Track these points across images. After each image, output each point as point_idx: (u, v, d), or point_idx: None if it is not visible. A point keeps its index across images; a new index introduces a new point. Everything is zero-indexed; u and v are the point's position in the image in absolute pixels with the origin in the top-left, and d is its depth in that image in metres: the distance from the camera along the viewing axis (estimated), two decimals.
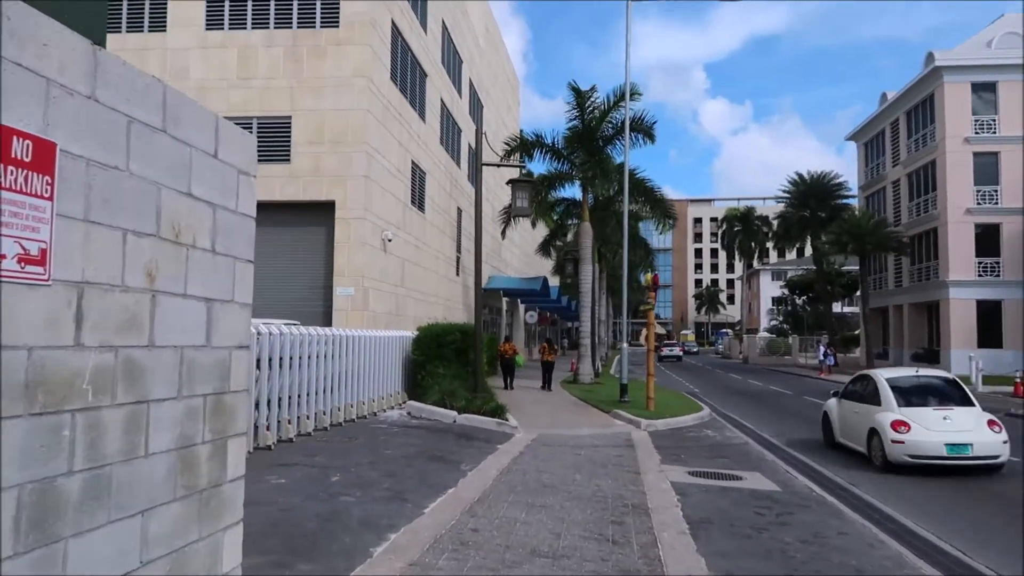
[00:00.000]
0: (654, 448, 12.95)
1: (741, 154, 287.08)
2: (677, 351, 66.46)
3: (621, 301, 22.84)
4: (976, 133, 38.42)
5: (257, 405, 10.53)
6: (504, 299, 41.22)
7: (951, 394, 12.22)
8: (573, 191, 31.84)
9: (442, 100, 27.67)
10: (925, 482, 10.74)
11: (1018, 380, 27.01)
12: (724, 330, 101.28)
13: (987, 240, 37.96)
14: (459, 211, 30.25)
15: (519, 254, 47.21)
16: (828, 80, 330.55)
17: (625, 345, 21.20)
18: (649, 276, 18.89)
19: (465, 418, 14.83)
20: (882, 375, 12.90)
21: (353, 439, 12.01)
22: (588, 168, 26.34)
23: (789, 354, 63.82)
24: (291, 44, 19.58)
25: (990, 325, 37.38)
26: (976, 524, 8.58)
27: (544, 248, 42.43)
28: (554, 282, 51.64)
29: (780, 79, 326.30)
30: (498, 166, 18.76)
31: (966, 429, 11.28)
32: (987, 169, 38.15)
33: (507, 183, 17.21)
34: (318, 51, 19.44)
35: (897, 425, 11.35)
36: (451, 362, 17.41)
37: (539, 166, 28.89)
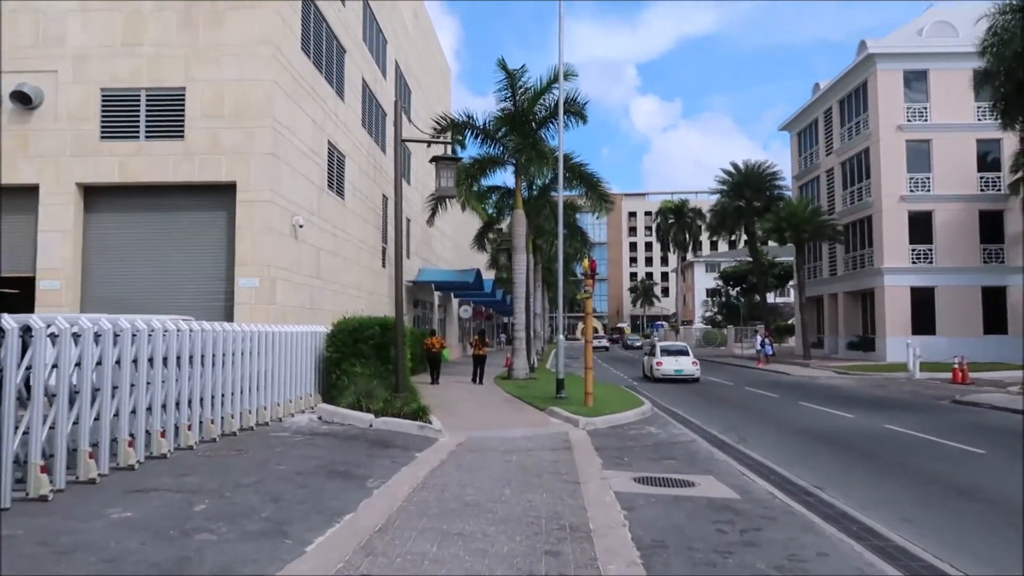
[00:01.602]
0: (594, 450, 11.56)
1: (671, 151, 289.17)
2: (604, 342, 77.88)
3: (557, 295, 21.45)
4: (908, 120, 38.44)
5: (117, 414, 8.65)
6: (436, 293, 39.41)
7: (684, 351, 29.47)
8: (506, 177, 30.37)
9: (364, 80, 25.73)
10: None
11: (955, 367, 26.76)
12: (660, 322, 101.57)
13: (920, 227, 38.04)
14: (384, 199, 28.35)
15: (451, 246, 45.43)
16: (759, 79, 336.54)
17: (561, 337, 19.79)
18: (586, 262, 17.53)
19: (383, 422, 13.16)
20: (659, 344, 30.91)
21: (242, 452, 10.17)
22: (522, 151, 24.86)
23: (725, 345, 63.86)
24: (184, 10, 17.41)
25: (924, 312, 37.46)
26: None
27: (479, 240, 40.79)
28: (489, 276, 50.02)
29: (711, 78, 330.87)
30: (428, 143, 17.01)
31: (684, 365, 28.13)
32: (919, 156, 38.22)
33: (430, 161, 15.53)
34: (216, 15, 17.32)
35: (658, 363, 28.39)
36: (370, 359, 15.68)
37: (471, 151, 27.27)
